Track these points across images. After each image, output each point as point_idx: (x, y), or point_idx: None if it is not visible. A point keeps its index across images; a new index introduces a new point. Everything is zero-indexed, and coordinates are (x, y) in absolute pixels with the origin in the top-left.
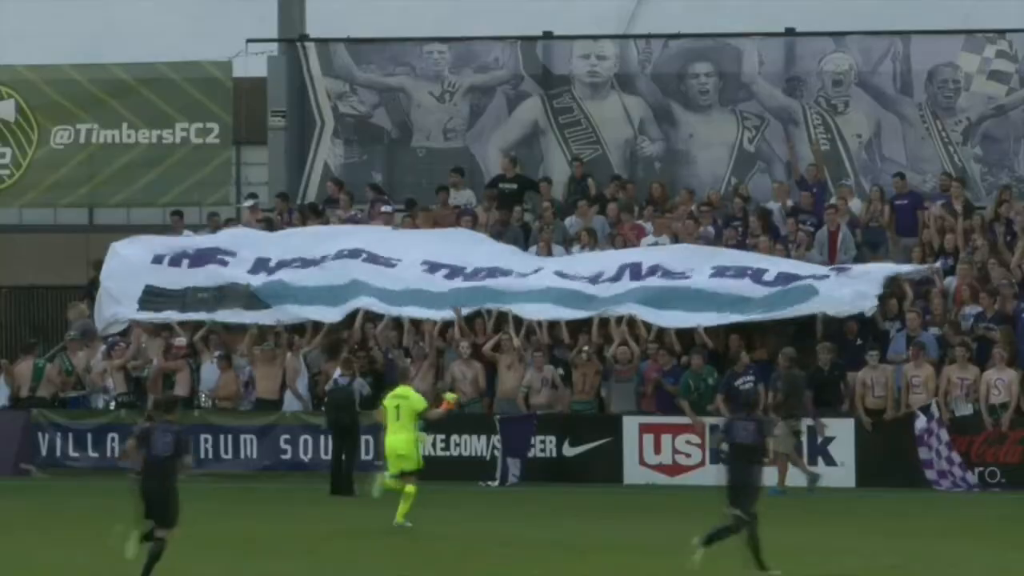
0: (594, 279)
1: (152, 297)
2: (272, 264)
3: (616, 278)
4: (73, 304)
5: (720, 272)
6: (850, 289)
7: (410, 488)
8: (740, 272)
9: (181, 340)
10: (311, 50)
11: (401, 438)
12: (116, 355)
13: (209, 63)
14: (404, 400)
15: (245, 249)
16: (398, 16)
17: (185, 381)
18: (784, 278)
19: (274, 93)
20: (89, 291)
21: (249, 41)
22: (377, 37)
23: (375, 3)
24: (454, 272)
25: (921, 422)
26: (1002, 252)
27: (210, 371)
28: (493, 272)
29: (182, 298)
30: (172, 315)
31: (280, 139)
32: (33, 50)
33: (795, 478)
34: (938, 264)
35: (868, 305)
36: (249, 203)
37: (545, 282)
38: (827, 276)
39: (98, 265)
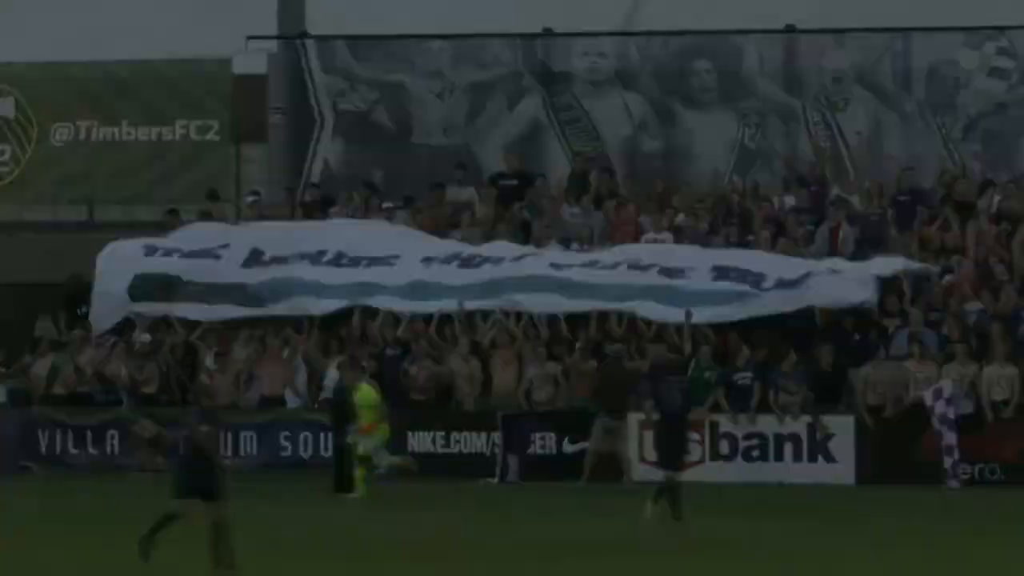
0: (590, 263)
1: (142, 283)
2: (266, 258)
3: (612, 268)
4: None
5: (720, 274)
6: (843, 284)
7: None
8: (741, 276)
9: (145, 337)
10: (311, 47)
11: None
12: (118, 354)
13: (209, 60)
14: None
15: (238, 242)
16: (398, 13)
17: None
18: (782, 283)
19: (274, 90)
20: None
21: (249, 38)
22: (377, 34)
23: (375, 0)
24: (450, 257)
25: (928, 397)
26: (992, 248)
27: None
28: (488, 260)
29: (175, 285)
30: (164, 307)
31: (280, 136)
32: (32, 47)
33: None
34: (937, 268)
35: (864, 297)
36: (250, 199)
37: (541, 271)
38: (820, 273)
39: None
